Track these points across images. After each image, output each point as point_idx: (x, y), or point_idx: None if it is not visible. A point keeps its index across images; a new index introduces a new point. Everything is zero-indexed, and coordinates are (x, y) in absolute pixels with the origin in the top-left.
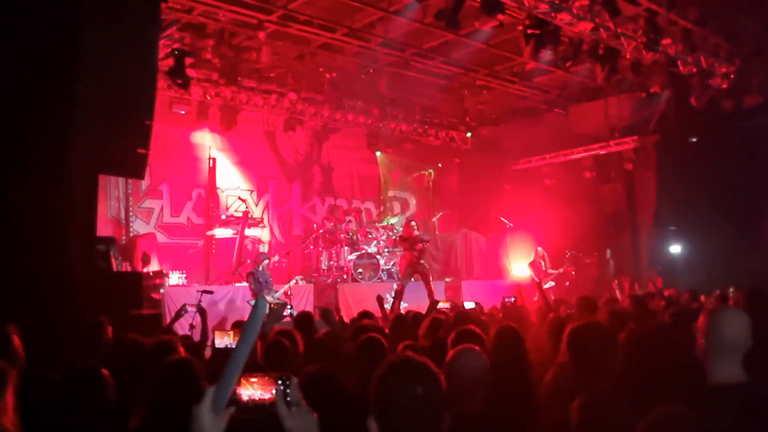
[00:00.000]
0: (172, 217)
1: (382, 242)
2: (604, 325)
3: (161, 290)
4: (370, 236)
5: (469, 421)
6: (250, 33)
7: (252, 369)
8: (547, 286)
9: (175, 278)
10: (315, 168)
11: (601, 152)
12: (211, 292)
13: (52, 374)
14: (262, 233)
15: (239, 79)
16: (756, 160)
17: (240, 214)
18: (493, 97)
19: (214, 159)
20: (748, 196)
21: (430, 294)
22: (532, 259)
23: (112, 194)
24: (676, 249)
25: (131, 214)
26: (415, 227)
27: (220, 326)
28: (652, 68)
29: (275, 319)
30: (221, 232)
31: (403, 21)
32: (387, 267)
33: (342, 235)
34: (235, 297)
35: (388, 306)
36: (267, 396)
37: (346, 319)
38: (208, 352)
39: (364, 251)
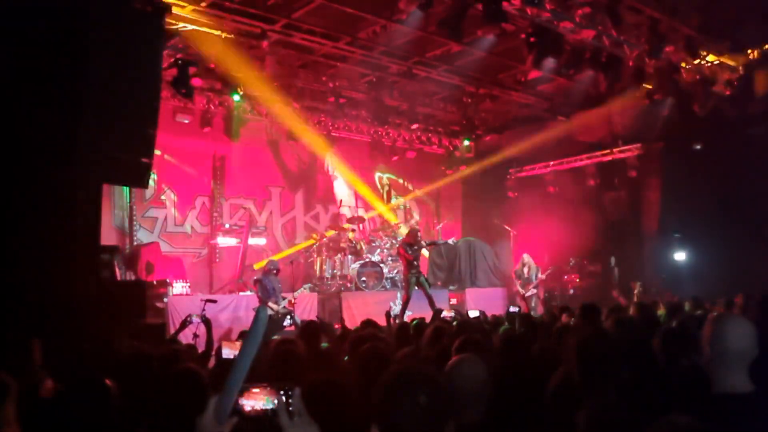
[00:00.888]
0: (176, 226)
1: (385, 250)
2: (610, 333)
3: (165, 299)
4: (374, 245)
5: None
6: (253, 42)
7: (255, 379)
8: (528, 293)
9: (178, 287)
10: (318, 176)
11: (605, 159)
12: (214, 302)
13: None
14: (266, 241)
15: (243, 88)
16: (760, 166)
17: (243, 223)
18: (496, 105)
19: (217, 168)
20: (752, 202)
21: (431, 302)
22: (516, 267)
23: (116, 203)
24: (680, 256)
25: (135, 223)
26: (418, 235)
27: (225, 336)
28: (655, 75)
29: (276, 329)
30: (225, 241)
31: (406, 30)
32: (391, 275)
33: (345, 244)
34: (239, 306)
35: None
36: (269, 406)
37: (350, 328)
38: (212, 362)
39: (367, 260)
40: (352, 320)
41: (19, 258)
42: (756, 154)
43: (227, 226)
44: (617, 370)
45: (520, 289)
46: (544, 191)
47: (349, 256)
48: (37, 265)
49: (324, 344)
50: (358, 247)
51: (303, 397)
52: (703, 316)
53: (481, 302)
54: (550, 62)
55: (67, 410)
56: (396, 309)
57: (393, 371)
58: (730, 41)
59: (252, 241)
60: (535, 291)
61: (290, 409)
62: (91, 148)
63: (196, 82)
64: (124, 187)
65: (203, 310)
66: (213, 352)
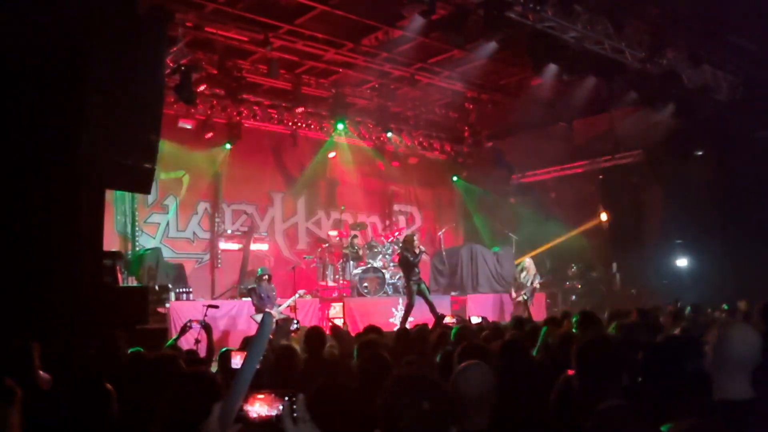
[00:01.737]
0: (178, 232)
1: (387, 256)
2: (613, 338)
3: (167, 305)
4: (375, 250)
5: None
6: (256, 48)
7: (259, 385)
8: (520, 299)
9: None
10: (320, 182)
11: (607, 165)
12: (216, 307)
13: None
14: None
15: (245, 94)
16: (761, 172)
17: (246, 228)
18: (497, 111)
19: (220, 173)
20: (754, 208)
21: (432, 308)
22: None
23: (118, 209)
24: (682, 262)
25: (137, 228)
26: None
27: (227, 341)
28: (656, 81)
29: (282, 335)
30: (226, 246)
31: (408, 36)
32: (392, 281)
33: (347, 249)
34: (240, 311)
35: (395, 320)
36: (274, 412)
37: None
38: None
39: (369, 265)
40: (354, 326)
41: (23, 263)
42: (758, 159)
43: (229, 231)
44: (619, 375)
45: (513, 293)
46: (545, 197)
47: (351, 262)
48: (40, 270)
49: (334, 350)
50: (360, 252)
51: (307, 404)
52: (704, 323)
53: (483, 308)
54: (551, 68)
55: (68, 415)
56: (398, 315)
57: (396, 377)
58: (729, 46)
59: (254, 246)
60: (525, 297)
61: (294, 415)
62: (94, 154)
63: (198, 88)
64: (127, 193)
65: (205, 315)
66: (214, 357)
